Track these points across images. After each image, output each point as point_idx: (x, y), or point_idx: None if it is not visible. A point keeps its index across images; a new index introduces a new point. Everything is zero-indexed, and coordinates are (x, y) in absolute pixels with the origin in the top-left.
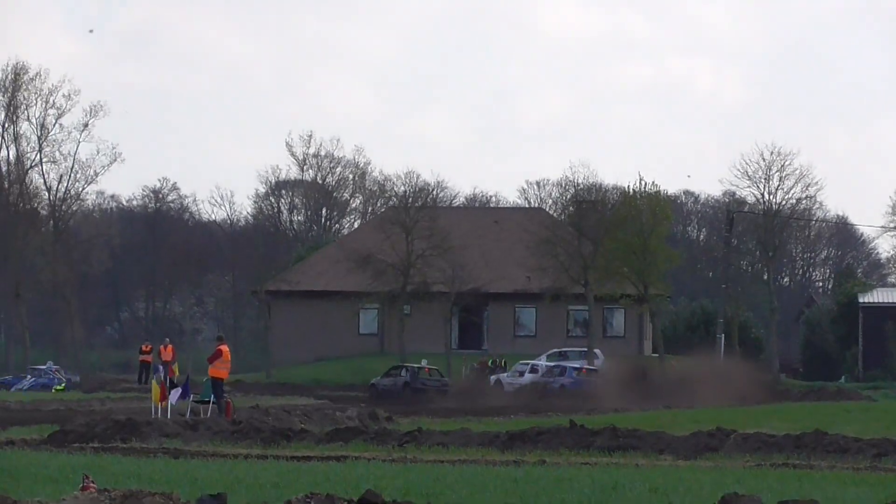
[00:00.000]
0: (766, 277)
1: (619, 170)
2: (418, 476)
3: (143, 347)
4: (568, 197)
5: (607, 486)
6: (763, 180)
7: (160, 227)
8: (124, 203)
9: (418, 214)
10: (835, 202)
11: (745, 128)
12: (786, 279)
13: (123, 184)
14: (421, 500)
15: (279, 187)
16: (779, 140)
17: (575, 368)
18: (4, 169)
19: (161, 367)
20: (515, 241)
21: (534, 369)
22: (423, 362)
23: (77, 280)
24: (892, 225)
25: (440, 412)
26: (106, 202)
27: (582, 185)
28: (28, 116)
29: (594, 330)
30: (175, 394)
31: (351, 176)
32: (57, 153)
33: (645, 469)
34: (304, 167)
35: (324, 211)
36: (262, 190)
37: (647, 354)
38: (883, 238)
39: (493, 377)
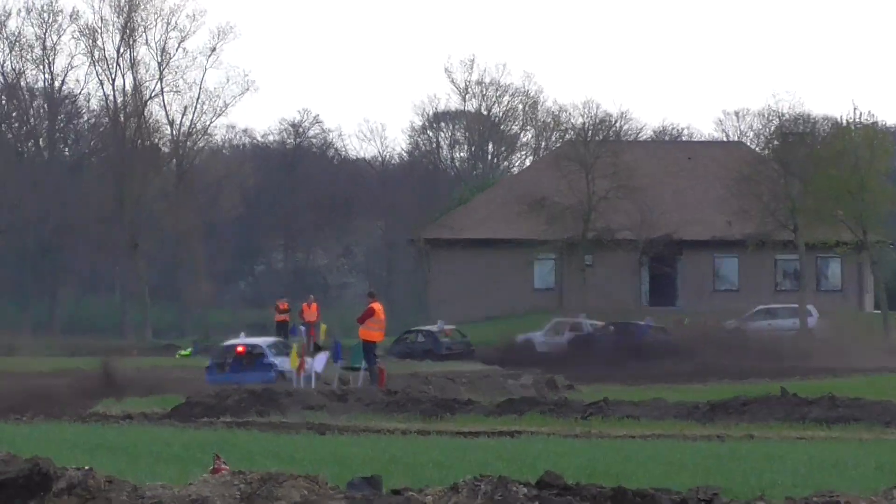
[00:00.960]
0: None
1: (829, 99)
2: (605, 454)
3: (280, 305)
4: (772, 129)
5: (826, 464)
6: None
7: (300, 166)
8: (258, 139)
9: (599, 150)
10: None
11: None
12: None
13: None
14: (609, 481)
15: (438, 120)
16: None
17: (650, 327)
18: (120, 100)
19: (304, 329)
20: (712, 179)
21: (575, 328)
22: (440, 323)
23: (204, 228)
24: None
25: (627, 379)
26: (237, 138)
27: (788, 116)
28: (147, 40)
29: (807, 283)
30: (320, 360)
31: (520, 106)
32: (180, 82)
33: (869, 444)
34: (466, 96)
35: (490, 146)
36: (417, 123)
37: (869, 311)
38: None
39: (521, 337)
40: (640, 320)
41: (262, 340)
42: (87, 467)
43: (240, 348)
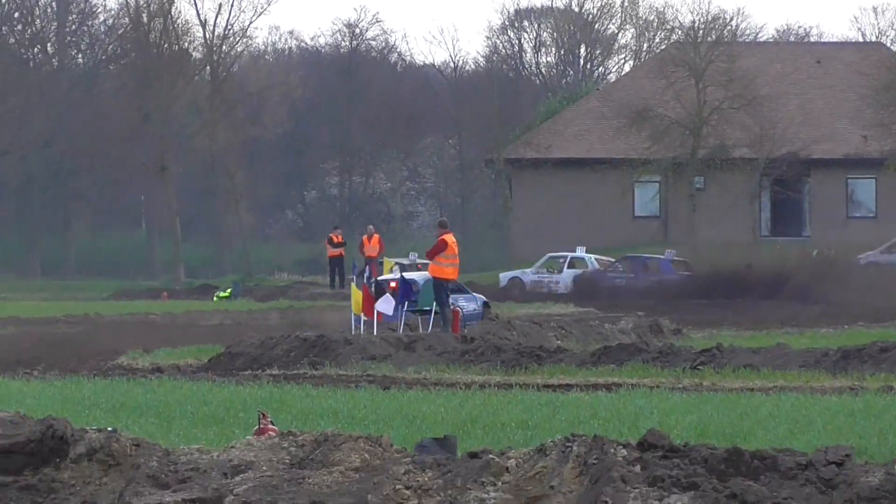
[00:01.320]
0: None
1: None
2: (718, 409)
3: (334, 237)
4: None
5: None
6: None
7: (357, 74)
8: (307, 42)
9: (712, 53)
10: None
11: None
12: None
13: (306, 16)
14: (722, 441)
15: (520, 18)
16: None
17: (671, 261)
18: None
19: (364, 265)
20: (845, 87)
21: (573, 264)
22: (413, 256)
23: (244, 148)
24: None
25: (743, 323)
26: (282, 41)
27: None
28: None
29: None
30: (384, 301)
31: (618, 2)
32: None
33: None
34: None
35: (582, 49)
36: (496, 22)
37: None
38: None
39: (508, 275)
40: (660, 254)
41: (418, 276)
42: (110, 429)
43: (393, 284)
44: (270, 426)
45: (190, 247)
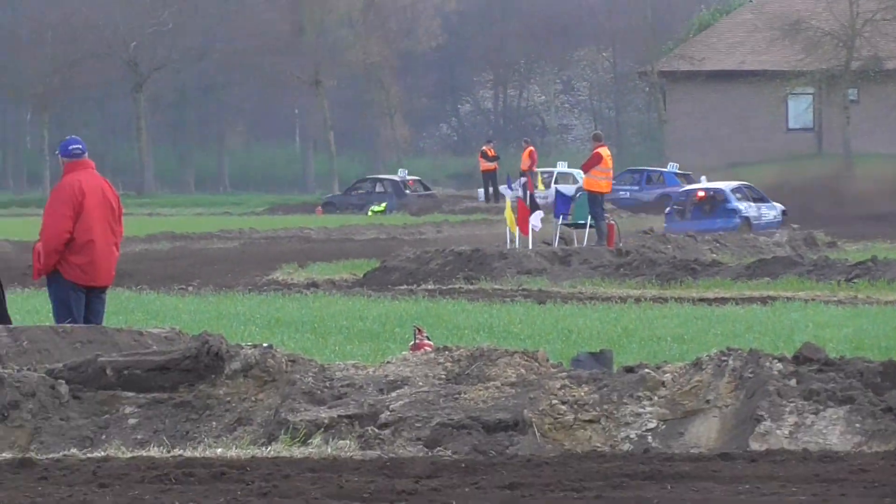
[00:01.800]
0: None
1: None
2: (873, 323)
3: (488, 150)
4: None
5: None
6: None
7: None
8: None
9: None
10: None
11: None
12: None
13: None
14: (878, 354)
15: None
16: None
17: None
18: None
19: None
20: None
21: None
22: (402, 173)
23: (397, 61)
24: None
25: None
26: None
27: None
28: None
29: None
30: (538, 215)
31: None
32: None
33: None
34: None
35: None
36: None
37: None
38: None
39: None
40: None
41: (724, 185)
42: (265, 344)
43: (700, 193)
44: (426, 341)
45: (344, 161)
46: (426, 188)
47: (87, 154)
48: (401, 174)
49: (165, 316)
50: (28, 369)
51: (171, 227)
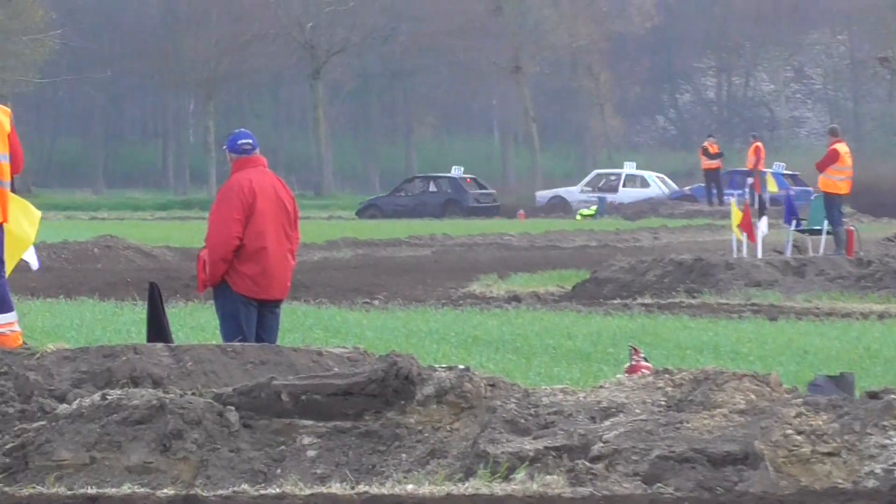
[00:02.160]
0: None
1: None
2: None
3: (710, 146)
4: None
5: None
6: None
7: None
8: None
9: None
10: None
11: None
12: None
13: None
14: None
15: None
16: None
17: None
18: None
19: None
20: None
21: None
22: (457, 170)
23: (607, 44)
24: None
25: None
26: None
27: None
28: None
29: None
30: (766, 220)
31: None
32: None
33: None
34: None
35: None
36: None
37: None
38: None
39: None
40: None
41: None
42: (461, 366)
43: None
44: (643, 363)
45: (548, 156)
46: (482, 186)
47: (258, 149)
48: (455, 171)
49: (348, 333)
50: (193, 394)
51: (354, 233)
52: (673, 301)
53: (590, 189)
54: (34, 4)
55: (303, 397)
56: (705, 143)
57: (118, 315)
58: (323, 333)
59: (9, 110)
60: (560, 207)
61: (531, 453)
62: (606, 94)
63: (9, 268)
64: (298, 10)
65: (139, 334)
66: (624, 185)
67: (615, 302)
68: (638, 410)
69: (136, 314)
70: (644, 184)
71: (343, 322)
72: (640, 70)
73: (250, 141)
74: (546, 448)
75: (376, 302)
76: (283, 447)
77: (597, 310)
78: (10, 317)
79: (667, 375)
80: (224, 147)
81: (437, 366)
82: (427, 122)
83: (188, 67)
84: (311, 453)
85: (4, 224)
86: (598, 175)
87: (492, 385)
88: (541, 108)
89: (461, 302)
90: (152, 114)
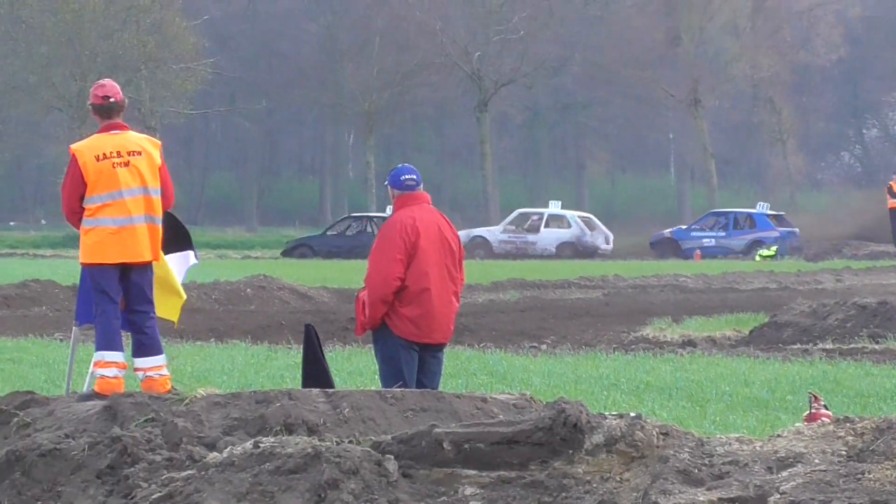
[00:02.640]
0: None
1: None
2: None
3: (895, 185)
4: None
5: None
6: None
7: None
8: None
9: None
10: None
11: None
12: None
13: None
14: None
15: None
16: None
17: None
18: None
19: None
20: None
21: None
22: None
23: (791, 76)
24: None
25: None
26: None
27: None
28: None
29: None
30: None
31: None
32: None
33: None
34: None
35: None
36: None
37: None
38: None
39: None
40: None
41: None
42: (632, 414)
43: None
44: (823, 411)
45: (727, 195)
46: None
47: (421, 185)
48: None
49: (513, 379)
50: (350, 442)
51: (521, 274)
52: (855, 346)
53: (512, 228)
54: (185, 31)
55: (465, 446)
56: (891, 182)
57: (272, 359)
58: (487, 379)
59: (159, 143)
60: (482, 247)
61: None
62: (789, 129)
63: (165, 309)
64: (465, 38)
65: (293, 379)
66: (546, 226)
67: (795, 347)
68: (817, 461)
69: (290, 358)
70: (567, 224)
71: (509, 367)
72: (825, 104)
73: (414, 176)
74: (720, 499)
75: (544, 346)
76: (444, 498)
77: (775, 355)
78: (159, 360)
79: (848, 424)
80: (385, 183)
81: (606, 413)
82: (599, 158)
83: (348, 98)
84: None
85: (156, 262)
86: (522, 214)
87: (664, 433)
88: (719, 144)
89: (633, 346)
90: (309, 147)
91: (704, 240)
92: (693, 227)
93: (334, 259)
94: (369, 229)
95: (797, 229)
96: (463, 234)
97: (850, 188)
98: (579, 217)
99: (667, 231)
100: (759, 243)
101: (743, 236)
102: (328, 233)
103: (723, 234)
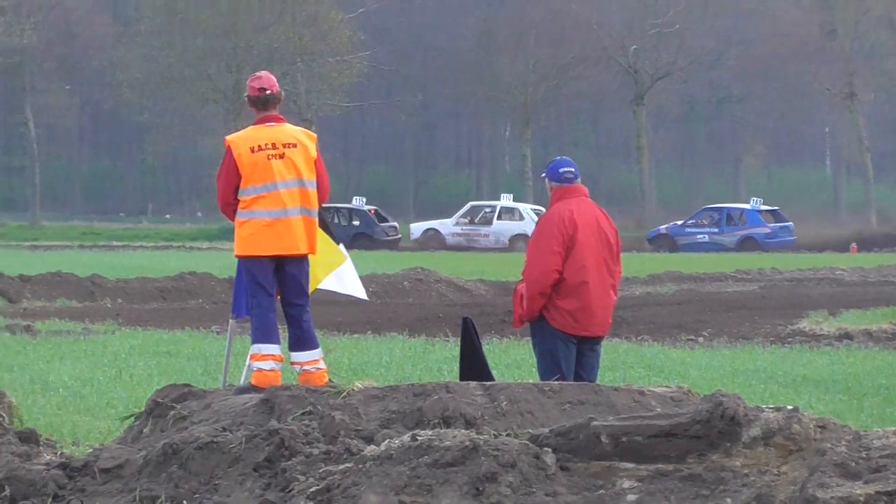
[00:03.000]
0: None
1: None
2: None
3: None
4: None
5: None
6: None
7: None
8: None
9: None
10: None
11: None
12: None
13: None
14: None
15: None
16: None
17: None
18: None
19: None
20: None
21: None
22: (359, 201)
23: None
24: None
25: None
26: None
27: None
28: None
29: None
30: None
31: None
32: None
33: None
34: None
35: None
36: None
37: None
38: None
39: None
40: None
41: None
42: (789, 407)
43: None
44: None
45: (883, 189)
46: (383, 219)
47: (579, 179)
48: (357, 202)
49: (671, 372)
50: (508, 435)
51: (678, 267)
52: None
53: (465, 220)
54: (341, 24)
55: (623, 439)
56: None
57: (429, 352)
58: (645, 372)
59: (315, 136)
60: (434, 240)
61: (862, 498)
62: None
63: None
64: (621, 32)
65: (451, 372)
66: (499, 218)
67: None
68: None
69: (447, 351)
70: (519, 216)
71: (666, 360)
72: None
73: (572, 169)
74: (877, 493)
75: (700, 339)
76: (601, 491)
77: None
78: (316, 353)
79: None
80: (543, 175)
81: (763, 406)
82: (755, 151)
83: (504, 92)
84: (630, 497)
85: (311, 256)
86: (474, 207)
87: (821, 427)
88: (876, 137)
89: (789, 340)
90: (466, 140)
91: (698, 236)
92: (688, 222)
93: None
94: (336, 220)
95: (791, 224)
96: (418, 226)
97: None
98: (532, 210)
99: (663, 227)
100: (750, 239)
101: (735, 232)
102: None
103: (716, 230)
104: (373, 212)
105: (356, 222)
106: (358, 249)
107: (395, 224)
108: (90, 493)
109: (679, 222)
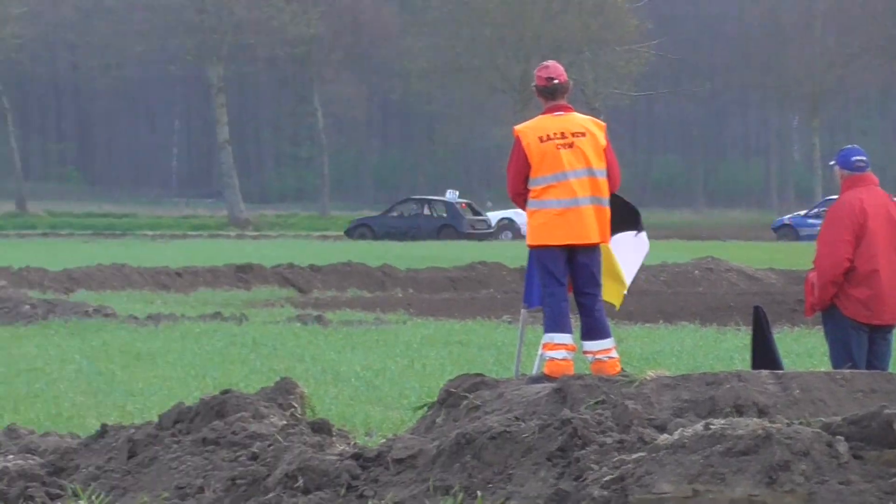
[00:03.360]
0: None
1: None
2: None
3: None
4: None
5: None
6: None
7: None
8: None
9: None
10: None
11: None
12: None
13: None
14: None
15: None
16: None
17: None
18: None
19: None
20: None
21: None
22: (451, 194)
23: None
24: None
25: None
26: None
27: None
28: None
29: None
30: None
31: None
32: None
33: None
34: None
35: None
36: None
37: None
38: None
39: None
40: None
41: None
42: None
43: None
44: None
45: None
46: (476, 212)
47: (869, 167)
48: (450, 195)
49: None
50: (800, 423)
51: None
52: None
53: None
54: (627, 13)
55: None
56: None
57: (720, 341)
58: None
59: (603, 124)
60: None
61: None
62: None
63: (608, 293)
64: None
65: (743, 361)
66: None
67: None
68: None
69: (739, 340)
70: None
71: None
72: None
73: (864, 158)
74: None
75: None
76: (894, 479)
77: None
78: (608, 343)
79: None
80: (833, 164)
81: None
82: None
83: (792, 81)
84: None
85: (604, 245)
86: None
87: None
88: None
89: None
90: (755, 129)
91: (818, 227)
92: (810, 213)
93: (393, 240)
94: (426, 211)
95: None
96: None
97: None
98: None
99: (786, 217)
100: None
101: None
102: (390, 214)
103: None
104: (464, 205)
105: (445, 214)
106: (444, 240)
107: (486, 218)
108: (383, 483)
109: (801, 213)
